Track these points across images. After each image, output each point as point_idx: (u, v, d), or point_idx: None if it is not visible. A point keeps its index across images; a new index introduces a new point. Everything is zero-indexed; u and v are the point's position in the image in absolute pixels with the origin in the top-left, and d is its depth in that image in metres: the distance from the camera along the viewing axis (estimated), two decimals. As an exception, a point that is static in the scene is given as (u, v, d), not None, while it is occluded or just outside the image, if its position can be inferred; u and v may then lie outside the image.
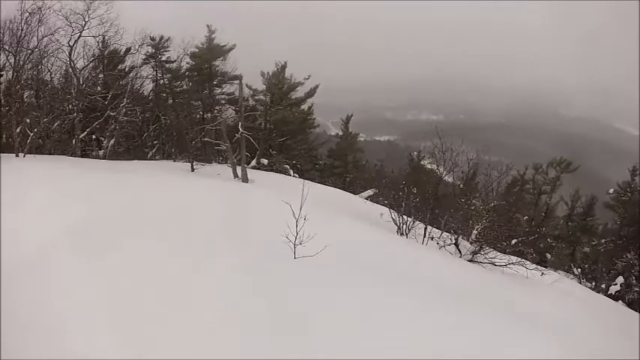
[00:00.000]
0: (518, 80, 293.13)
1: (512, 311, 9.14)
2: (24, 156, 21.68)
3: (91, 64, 31.33)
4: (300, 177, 30.30)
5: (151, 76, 36.27)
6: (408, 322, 6.84)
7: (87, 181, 14.52)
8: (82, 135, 30.04)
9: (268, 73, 37.10)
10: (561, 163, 39.31)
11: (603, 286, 28.64)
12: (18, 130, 23.21)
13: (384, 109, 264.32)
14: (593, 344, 8.34)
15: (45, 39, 26.74)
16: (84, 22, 27.83)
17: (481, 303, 9.15)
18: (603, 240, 35.48)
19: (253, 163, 32.32)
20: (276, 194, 13.01)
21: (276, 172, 32.35)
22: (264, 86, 37.28)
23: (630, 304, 26.01)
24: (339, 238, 10.13)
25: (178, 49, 35.29)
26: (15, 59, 25.38)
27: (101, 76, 33.47)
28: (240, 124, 25.48)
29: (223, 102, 38.18)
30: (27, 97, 28.31)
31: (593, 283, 29.44)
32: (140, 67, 34.85)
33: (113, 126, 31.56)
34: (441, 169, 20.49)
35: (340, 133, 43.87)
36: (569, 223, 38.47)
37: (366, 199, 25.40)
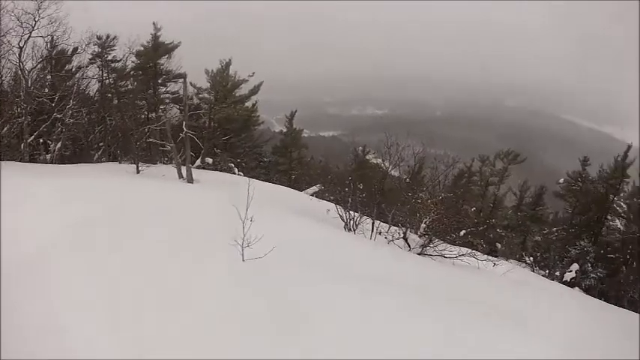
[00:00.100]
0: (463, 73, 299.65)
1: (468, 301, 9.24)
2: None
3: (39, 65, 30.66)
4: (245, 175, 30.16)
5: (96, 76, 35.60)
6: (361, 319, 6.96)
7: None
8: (30, 139, 29.24)
9: (213, 70, 37.04)
10: (508, 155, 40.05)
11: (557, 273, 29.30)
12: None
13: (328, 104, 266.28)
14: (550, 329, 8.52)
15: (-3, 41, 26.53)
16: (34, 22, 27.41)
17: (436, 296, 9.18)
18: (555, 228, 36.39)
19: (198, 162, 32.01)
20: (222, 194, 13.05)
21: (221, 171, 32.17)
22: (209, 84, 37.20)
23: (587, 290, 26.69)
24: (286, 237, 10.18)
25: (124, 48, 34.92)
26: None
27: (49, 77, 32.85)
28: (184, 123, 25.14)
29: (168, 101, 37.74)
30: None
31: (547, 271, 30.07)
32: (86, 67, 34.30)
33: (60, 129, 30.89)
34: (387, 164, 20.46)
35: (284, 130, 44.06)
36: (519, 213, 39.28)
37: (312, 195, 25.22)
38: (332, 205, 18.08)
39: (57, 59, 32.75)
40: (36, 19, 27.24)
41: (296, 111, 42.95)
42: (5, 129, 28.09)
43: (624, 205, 33.13)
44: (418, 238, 16.21)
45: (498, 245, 35.17)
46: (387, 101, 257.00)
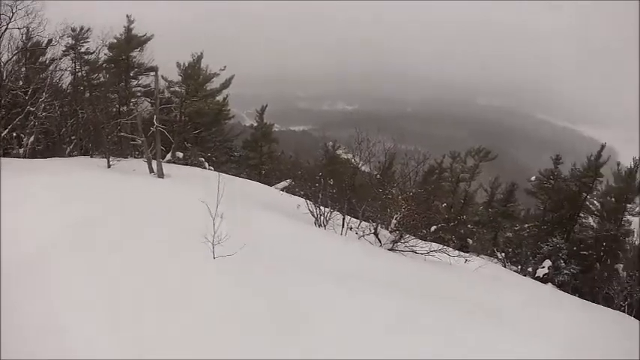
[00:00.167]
0: (435, 71, 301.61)
1: (439, 296, 9.34)
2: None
3: (14, 58, 30.55)
4: (215, 170, 29.92)
5: (69, 69, 35.13)
6: (339, 315, 7.03)
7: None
8: (4, 132, 28.93)
9: (184, 64, 36.72)
10: (479, 152, 40.45)
11: (530, 269, 29.72)
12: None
13: (299, 99, 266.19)
14: (526, 323, 8.76)
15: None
16: (11, 14, 27.64)
17: (409, 291, 9.27)
18: (527, 225, 36.79)
19: (168, 157, 31.79)
20: (192, 189, 13.30)
21: (192, 165, 32.09)
22: (180, 77, 36.87)
23: (560, 286, 27.13)
24: (257, 232, 10.23)
25: (97, 40, 34.50)
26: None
27: (23, 69, 32.52)
28: (155, 117, 24.90)
29: (139, 94, 37.34)
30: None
31: (519, 267, 30.47)
32: (60, 59, 33.92)
33: (32, 122, 30.49)
34: (357, 160, 20.51)
35: (255, 124, 43.95)
36: (490, 209, 39.68)
37: (282, 190, 25.22)
38: (302, 201, 18.09)
39: (32, 51, 32.47)
40: (13, 11, 27.49)
41: (267, 105, 42.78)
42: (-19, 124, 27.85)
43: (597, 204, 33.72)
44: (389, 234, 16.28)
45: (469, 241, 35.50)
46: (358, 96, 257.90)
